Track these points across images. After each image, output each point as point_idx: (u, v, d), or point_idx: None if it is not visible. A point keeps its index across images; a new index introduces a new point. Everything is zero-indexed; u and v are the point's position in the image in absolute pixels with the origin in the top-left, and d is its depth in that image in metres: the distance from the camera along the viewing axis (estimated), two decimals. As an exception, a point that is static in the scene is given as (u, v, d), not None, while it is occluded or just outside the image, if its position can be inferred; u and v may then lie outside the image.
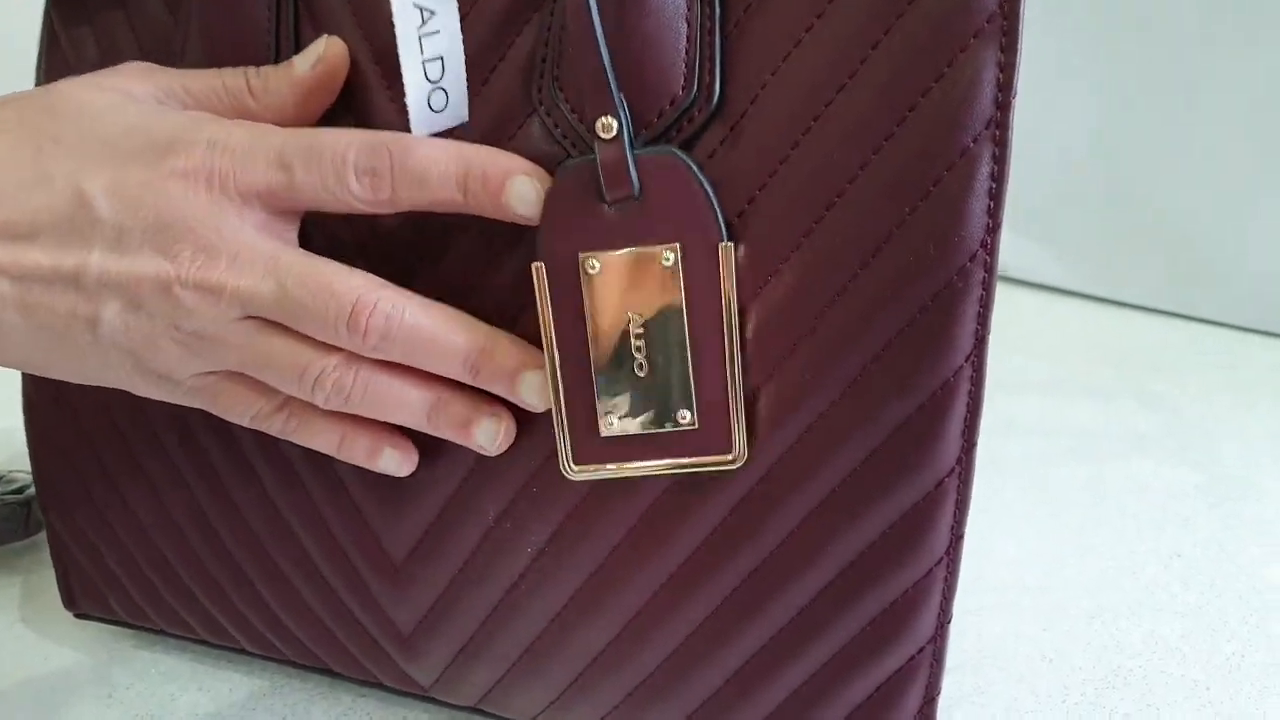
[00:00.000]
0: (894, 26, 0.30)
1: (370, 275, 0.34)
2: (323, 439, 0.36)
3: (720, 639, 0.36)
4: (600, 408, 0.34)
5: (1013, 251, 0.31)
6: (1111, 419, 0.66)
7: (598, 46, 0.31)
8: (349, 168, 0.33)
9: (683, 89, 0.32)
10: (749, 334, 0.33)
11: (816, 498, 0.33)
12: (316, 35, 0.36)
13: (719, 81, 0.32)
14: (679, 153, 0.32)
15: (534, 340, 0.34)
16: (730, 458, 0.33)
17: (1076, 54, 0.84)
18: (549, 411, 0.34)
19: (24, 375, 0.46)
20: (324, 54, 0.35)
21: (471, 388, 0.35)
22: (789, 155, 0.32)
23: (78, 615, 0.50)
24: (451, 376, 0.34)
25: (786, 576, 0.35)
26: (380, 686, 0.45)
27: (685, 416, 0.33)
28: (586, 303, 0.33)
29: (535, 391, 0.34)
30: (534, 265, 0.33)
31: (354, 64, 0.36)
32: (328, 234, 0.36)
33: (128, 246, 0.33)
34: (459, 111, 0.34)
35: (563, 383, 0.34)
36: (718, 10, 0.32)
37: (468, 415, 0.35)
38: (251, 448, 0.41)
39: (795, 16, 0.31)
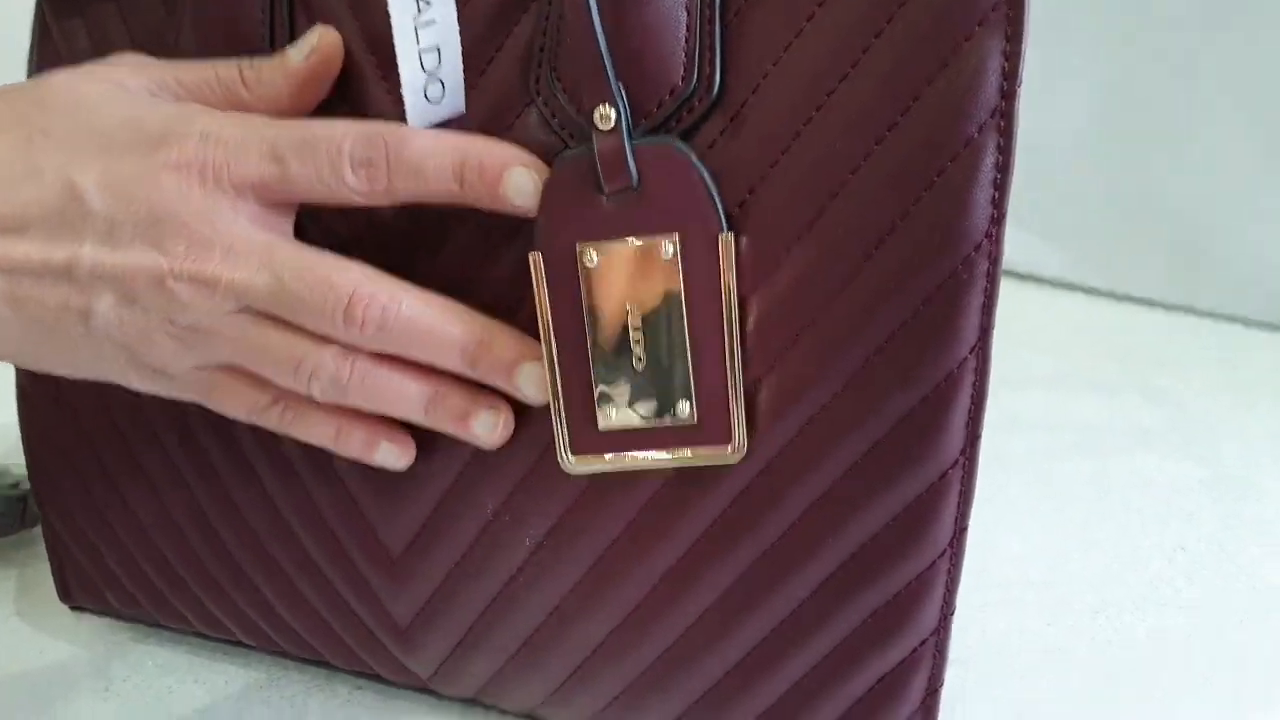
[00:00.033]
0: (897, 15, 0.30)
1: (367, 266, 0.33)
2: (319, 432, 0.36)
3: (720, 631, 0.36)
4: (599, 400, 0.33)
5: (1016, 245, 0.31)
6: (1115, 414, 0.66)
7: (596, 35, 0.31)
8: (344, 159, 0.32)
9: (682, 79, 0.32)
10: (749, 325, 0.32)
11: (818, 490, 0.33)
12: (312, 25, 0.36)
13: (719, 71, 0.32)
14: (678, 143, 0.31)
15: (532, 332, 0.34)
16: (730, 450, 0.33)
17: (1079, 47, 0.83)
18: (547, 404, 0.34)
19: (19, 369, 0.46)
20: (318, 44, 0.35)
21: (469, 380, 0.35)
22: (790, 145, 0.31)
23: (74, 608, 0.50)
24: (449, 369, 0.34)
25: (787, 569, 0.34)
26: (378, 679, 0.45)
27: (685, 409, 0.33)
28: (585, 294, 0.32)
29: (533, 383, 0.34)
30: (531, 256, 0.32)
31: (349, 54, 0.36)
32: (323, 227, 0.36)
33: (120, 239, 0.33)
34: (456, 102, 0.34)
35: (561, 375, 0.33)
36: (718, -1, 0.32)
37: (465, 408, 0.35)
38: (250, 444, 0.40)
39: (797, 5, 0.31)
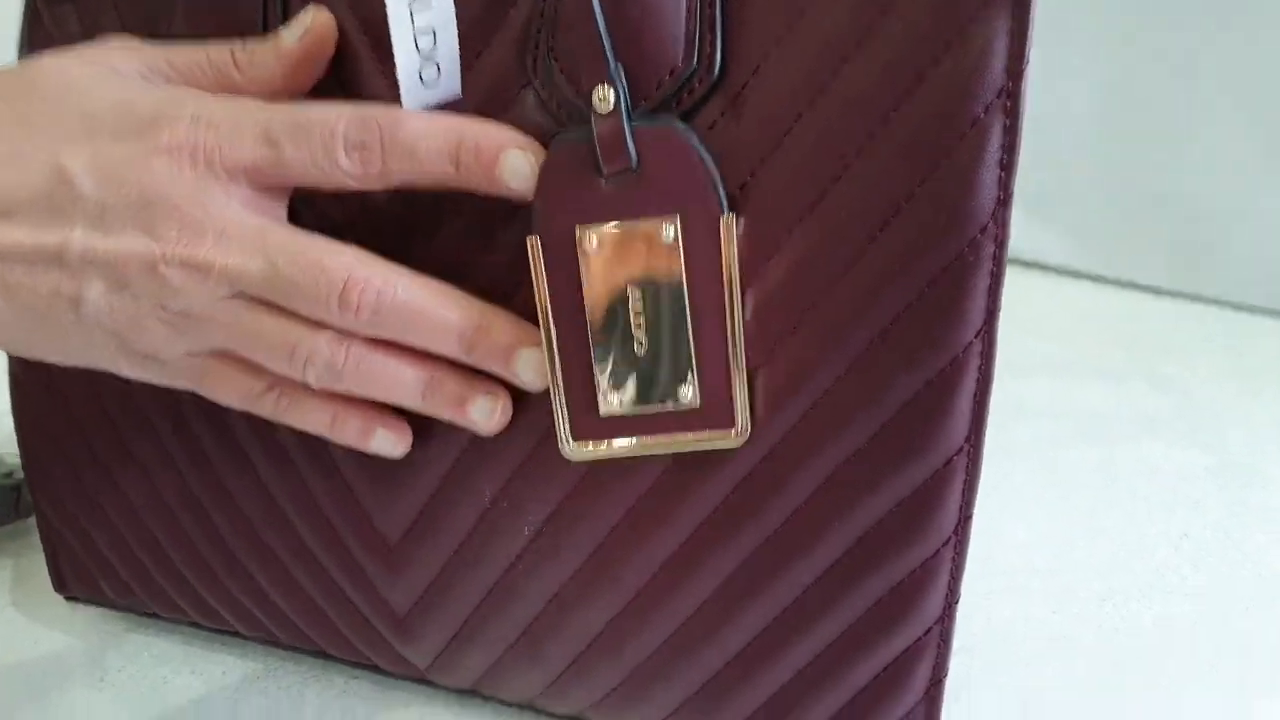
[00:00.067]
0: (901, -6, 0.29)
1: (361, 251, 0.33)
2: (314, 419, 0.36)
3: (722, 620, 0.36)
4: (599, 385, 0.33)
5: (1021, 233, 0.30)
6: (1121, 401, 0.66)
7: (594, 15, 0.30)
8: (338, 142, 0.32)
9: (683, 59, 0.31)
10: (751, 309, 0.32)
11: (821, 475, 0.33)
12: (305, 7, 0.35)
13: (720, 52, 0.31)
14: (679, 124, 0.31)
15: (530, 317, 0.33)
16: (733, 434, 0.32)
17: (1084, 34, 0.83)
18: (546, 390, 0.34)
19: (11, 357, 0.45)
20: (311, 25, 0.34)
21: (466, 366, 0.34)
22: (792, 127, 0.31)
23: (68, 598, 0.50)
24: (446, 354, 0.34)
25: (790, 556, 0.34)
26: (375, 669, 0.44)
27: (687, 393, 0.32)
28: (584, 278, 0.32)
29: (532, 369, 0.33)
30: (529, 239, 0.32)
31: (343, 36, 0.35)
32: (317, 211, 0.36)
33: (111, 224, 0.32)
34: (451, 85, 0.33)
35: (560, 360, 0.33)
36: (719, -23, 0.31)
37: (463, 393, 0.34)
38: (244, 431, 0.40)
39: (799, -15, 0.30)
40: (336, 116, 0.32)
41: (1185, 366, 0.70)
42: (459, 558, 0.38)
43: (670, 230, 0.31)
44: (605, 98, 0.30)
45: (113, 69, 0.35)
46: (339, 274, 0.32)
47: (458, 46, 0.33)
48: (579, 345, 0.33)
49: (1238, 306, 0.79)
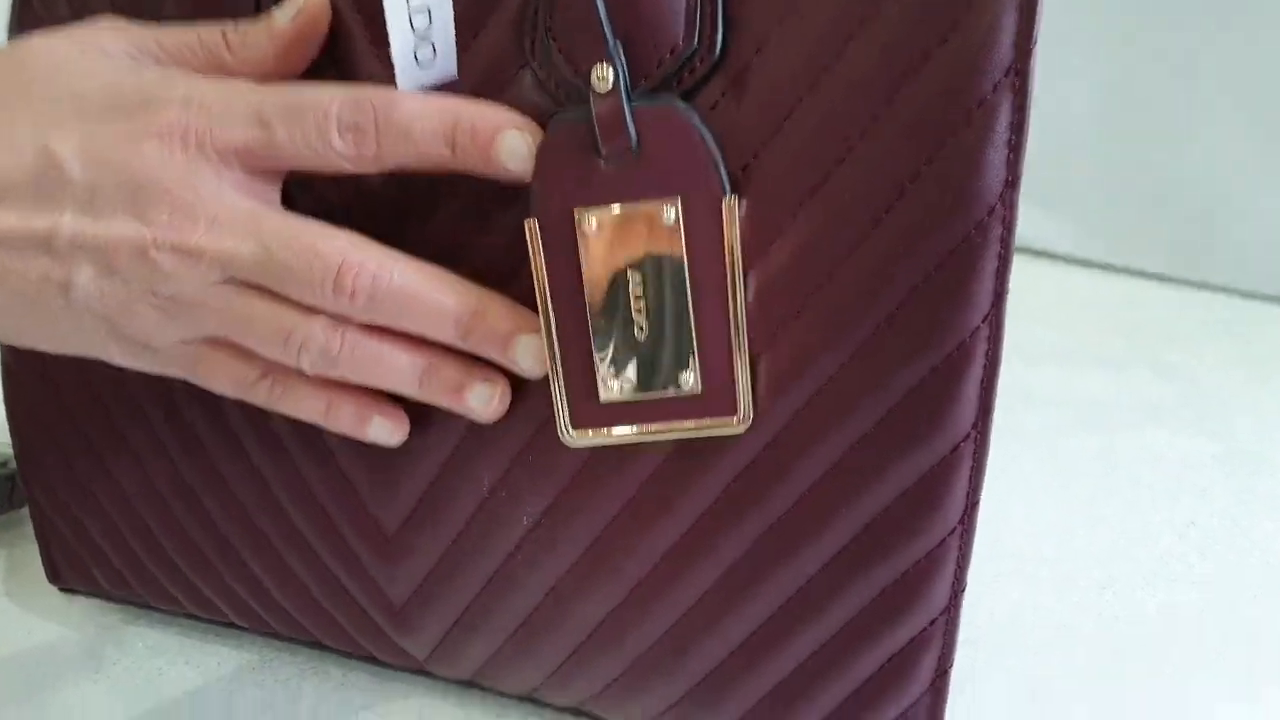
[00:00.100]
0: (907, -28, 0.29)
1: (356, 235, 0.32)
2: (308, 407, 0.35)
3: (724, 610, 0.35)
4: (599, 371, 0.32)
5: (1024, 220, 0.30)
6: (1126, 389, 0.65)
7: (593, -8, 0.30)
8: (331, 123, 0.31)
9: (683, 38, 0.30)
10: (754, 293, 0.31)
11: (826, 463, 0.32)
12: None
13: (722, 31, 0.30)
14: (680, 103, 0.30)
15: (528, 303, 0.33)
16: (735, 420, 0.32)
17: (1088, 20, 0.82)
18: (545, 377, 0.33)
19: (2, 346, 0.45)
20: (304, 6, 0.34)
21: (464, 353, 0.34)
22: (796, 108, 0.30)
23: (63, 589, 0.49)
24: (442, 340, 0.33)
25: (794, 545, 0.34)
26: (373, 661, 0.44)
27: (688, 379, 0.32)
28: (583, 262, 0.31)
29: (530, 355, 0.33)
30: (527, 222, 0.31)
31: (337, 15, 0.34)
32: (311, 195, 0.35)
33: (101, 208, 0.32)
34: (447, 65, 0.33)
35: (559, 346, 0.32)
36: (721, -45, 0.30)
37: (460, 380, 0.34)
38: (238, 420, 0.40)
39: (802, -38, 0.30)
40: (330, 98, 0.31)
41: (1191, 354, 0.70)
42: (457, 547, 0.38)
43: (671, 212, 0.30)
44: (604, 77, 0.30)
45: (102, 50, 0.34)
46: (333, 258, 0.31)
47: (453, 26, 0.32)
48: (578, 331, 0.32)
49: (1244, 294, 0.78)
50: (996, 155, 0.29)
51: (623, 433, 0.33)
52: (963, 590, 0.34)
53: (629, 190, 0.30)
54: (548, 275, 0.32)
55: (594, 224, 0.31)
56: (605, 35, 0.30)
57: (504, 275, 0.33)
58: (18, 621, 0.49)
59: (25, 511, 0.53)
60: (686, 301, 0.31)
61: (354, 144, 0.31)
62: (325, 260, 0.31)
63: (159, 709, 0.44)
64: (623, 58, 0.30)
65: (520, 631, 0.39)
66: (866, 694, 0.35)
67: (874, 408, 0.31)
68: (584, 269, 0.31)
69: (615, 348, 0.32)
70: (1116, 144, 0.83)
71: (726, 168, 0.30)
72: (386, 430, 0.36)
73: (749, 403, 0.32)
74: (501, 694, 0.43)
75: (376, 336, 0.33)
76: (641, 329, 0.32)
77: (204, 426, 0.40)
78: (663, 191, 0.30)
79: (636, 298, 0.31)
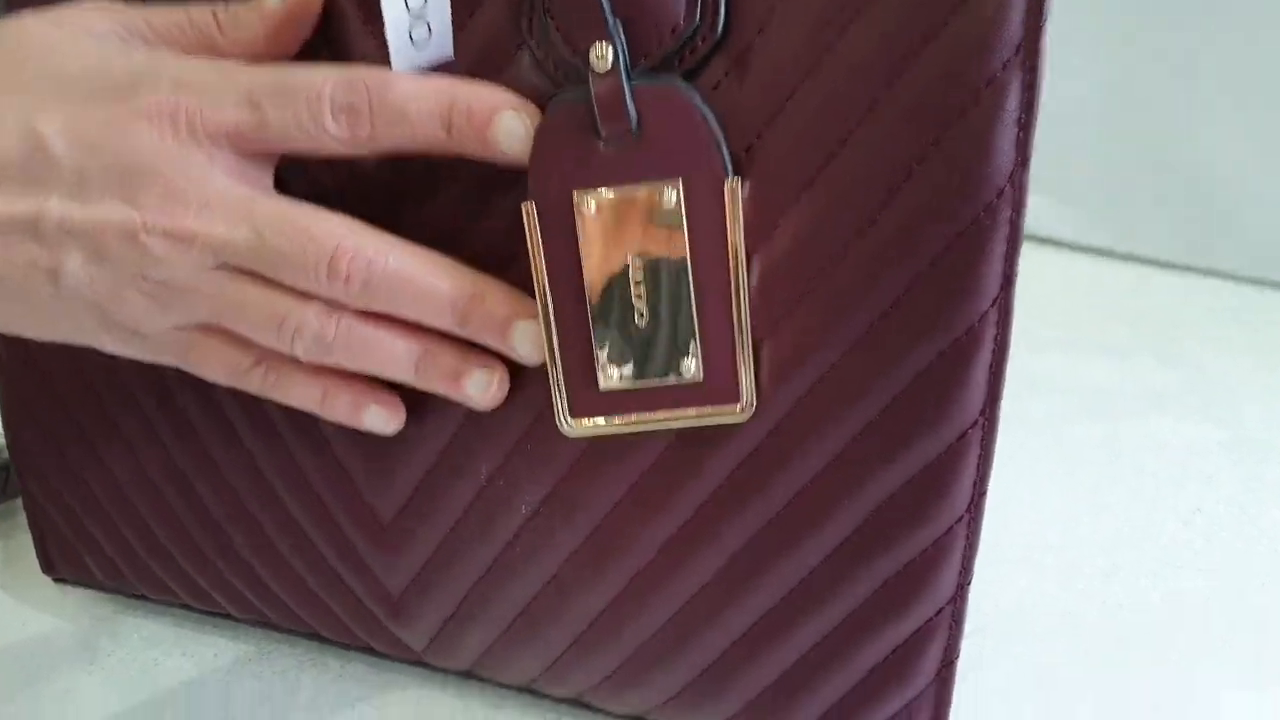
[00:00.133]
0: (913, -52, 0.28)
1: (351, 219, 0.32)
2: (303, 395, 0.35)
3: (725, 601, 0.35)
4: (598, 358, 0.32)
5: (1028, 207, 0.29)
6: (1131, 377, 0.65)
7: (592, -32, 0.29)
8: (324, 105, 0.31)
9: (685, 17, 0.30)
10: (757, 278, 0.31)
11: (830, 451, 0.32)
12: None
13: (724, 9, 0.30)
14: (681, 83, 0.30)
15: (526, 289, 0.32)
16: (738, 408, 0.31)
17: (1091, 5, 0.81)
18: (544, 364, 0.32)
19: (-6, 334, 0.44)
20: None
21: (461, 339, 0.33)
22: (799, 88, 0.29)
23: (57, 580, 0.49)
24: (439, 326, 0.32)
25: (797, 535, 0.33)
26: (371, 652, 0.43)
27: (690, 366, 0.31)
28: (582, 246, 0.31)
29: (529, 341, 0.32)
30: (524, 206, 0.31)
31: (330, -6, 0.34)
32: (305, 179, 0.34)
33: (89, 193, 0.31)
34: (443, 45, 0.32)
35: (557, 332, 0.32)
36: (723, -69, 0.30)
37: (457, 367, 0.33)
38: (232, 407, 0.39)
39: (806, -61, 0.29)
40: (323, 79, 0.31)
41: (1196, 341, 0.69)
42: (454, 537, 0.37)
43: (672, 194, 0.30)
44: (603, 56, 0.29)
45: (89, 31, 0.33)
46: (328, 243, 0.31)
47: (449, 5, 0.31)
48: (577, 317, 0.31)
49: (1250, 281, 0.78)
50: (1006, 136, 0.28)
51: (622, 421, 0.32)
52: (969, 581, 0.33)
53: (629, 172, 0.30)
54: (545, 260, 0.31)
55: (593, 207, 0.30)
56: (604, 13, 0.29)
57: (502, 260, 0.33)
58: (12, 613, 0.49)
59: (19, 503, 0.53)
60: (688, 287, 0.30)
61: (347, 126, 0.31)
62: (319, 244, 0.31)
63: (155, 701, 0.44)
64: (622, 37, 0.29)
65: (519, 622, 0.38)
66: (871, 685, 0.35)
67: (880, 394, 0.31)
68: (583, 253, 0.31)
69: (615, 334, 0.31)
70: (1122, 129, 0.83)
71: (729, 149, 0.30)
72: (382, 419, 0.35)
73: (751, 391, 0.31)
74: (500, 685, 0.42)
75: (372, 323, 0.32)
76: (642, 315, 0.31)
77: (197, 413, 0.40)
78: (664, 173, 0.30)
79: (636, 283, 0.31)
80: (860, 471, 0.32)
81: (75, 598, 0.49)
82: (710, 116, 0.29)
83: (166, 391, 0.40)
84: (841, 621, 0.34)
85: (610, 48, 0.29)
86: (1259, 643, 0.45)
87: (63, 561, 0.48)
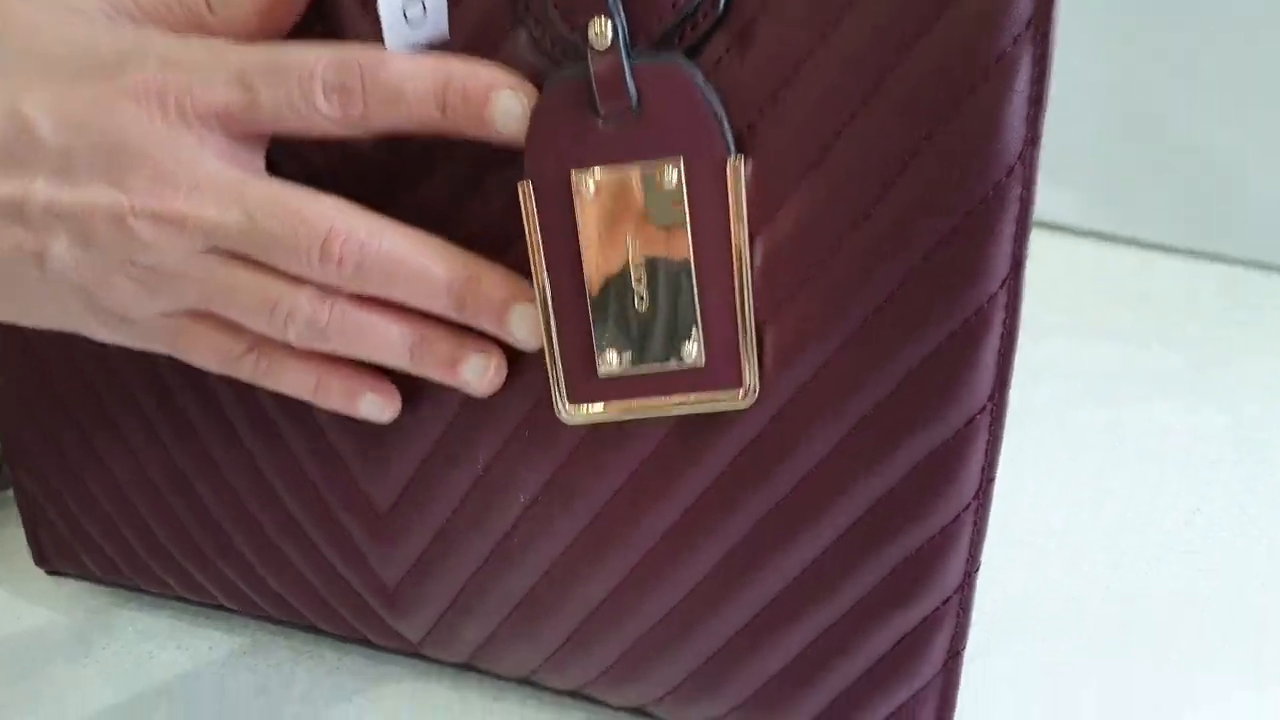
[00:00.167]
0: (920, -82, 0.27)
1: (344, 201, 0.31)
2: (296, 382, 0.34)
3: (727, 591, 0.34)
4: (597, 344, 0.31)
5: None
6: (1133, 362, 0.64)
7: (589, -57, 0.28)
8: (316, 84, 0.30)
9: (685, -8, 0.29)
10: (760, 260, 0.30)
11: (835, 437, 0.31)
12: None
13: (726, -17, 0.29)
14: (683, 60, 0.29)
15: (524, 273, 0.31)
16: (740, 394, 0.31)
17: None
18: (541, 349, 0.32)
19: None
20: None
21: (457, 324, 0.32)
22: (804, 64, 0.29)
23: (50, 572, 0.48)
24: (435, 310, 0.32)
25: (801, 524, 0.32)
26: (367, 644, 0.43)
27: (691, 351, 0.30)
28: (580, 227, 0.30)
29: (526, 326, 0.31)
30: (521, 186, 0.30)
31: (323, -28, 0.33)
32: (297, 161, 0.33)
33: (76, 175, 0.30)
34: (438, 23, 0.31)
35: (555, 316, 0.31)
36: (724, -98, 0.29)
37: (453, 352, 0.32)
38: (230, 402, 0.38)
39: (810, -91, 0.28)
40: (315, 58, 0.30)
41: (1201, 326, 0.69)
42: (451, 527, 0.37)
43: (673, 174, 0.29)
44: (602, 32, 0.28)
45: (74, 8, 0.33)
46: (321, 225, 0.30)
47: (444, -19, 0.31)
48: (575, 301, 0.31)
49: (1256, 265, 0.77)
50: (1016, 112, 0.27)
51: (622, 408, 0.32)
52: (977, 569, 0.33)
53: (628, 151, 0.29)
54: (543, 242, 0.30)
55: (591, 187, 0.29)
56: None
57: (498, 243, 0.32)
58: (4, 606, 0.48)
59: (9, 494, 0.52)
60: (689, 269, 0.30)
61: (340, 106, 0.30)
62: (312, 227, 0.30)
63: (149, 694, 0.43)
64: (622, 13, 0.29)
65: (517, 613, 0.38)
66: (876, 676, 0.35)
67: (886, 379, 0.30)
68: (581, 235, 0.30)
69: (614, 318, 0.31)
70: (1125, 114, 0.82)
71: (731, 127, 0.29)
72: (378, 406, 0.34)
73: (754, 375, 0.30)
74: (498, 677, 0.42)
75: (366, 307, 0.32)
76: (641, 299, 0.30)
77: (196, 411, 0.39)
78: (664, 152, 0.29)
79: (636, 265, 0.30)
80: (865, 458, 0.31)
81: (68, 590, 0.49)
82: (712, 94, 0.29)
83: (162, 384, 0.39)
84: (846, 612, 0.34)
85: (610, 24, 0.28)
86: (1261, 632, 0.45)
87: (56, 555, 0.47)
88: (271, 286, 0.31)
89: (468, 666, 0.42)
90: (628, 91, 0.29)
